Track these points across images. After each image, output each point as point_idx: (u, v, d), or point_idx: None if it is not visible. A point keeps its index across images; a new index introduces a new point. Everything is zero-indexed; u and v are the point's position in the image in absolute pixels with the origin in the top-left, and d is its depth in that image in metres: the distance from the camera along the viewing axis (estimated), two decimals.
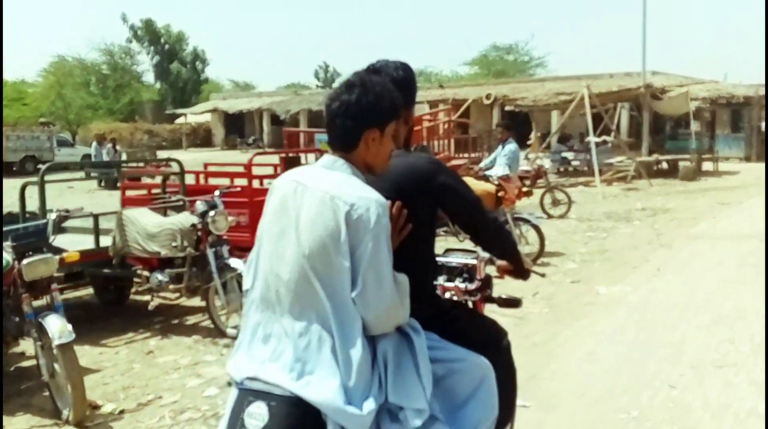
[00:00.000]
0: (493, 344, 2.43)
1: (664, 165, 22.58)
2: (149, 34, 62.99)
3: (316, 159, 2.37)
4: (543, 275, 2.93)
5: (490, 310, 2.75)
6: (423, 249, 2.25)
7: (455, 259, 2.68)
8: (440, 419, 2.03)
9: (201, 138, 50.76)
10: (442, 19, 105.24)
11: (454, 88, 43.23)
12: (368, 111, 1.98)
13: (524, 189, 8.89)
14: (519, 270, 2.59)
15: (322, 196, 1.91)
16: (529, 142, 26.18)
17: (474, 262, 2.65)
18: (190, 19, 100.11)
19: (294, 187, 1.98)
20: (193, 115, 51.14)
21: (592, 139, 18.34)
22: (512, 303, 2.61)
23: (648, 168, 21.32)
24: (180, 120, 51.54)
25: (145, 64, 64.97)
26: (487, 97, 33.67)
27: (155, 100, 61.62)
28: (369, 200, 1.89)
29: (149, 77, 64.65)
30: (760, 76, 27.84)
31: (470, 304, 2.63)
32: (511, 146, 9.50)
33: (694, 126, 22.43)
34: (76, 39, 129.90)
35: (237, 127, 49.41)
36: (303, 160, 10.36)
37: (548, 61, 72.82)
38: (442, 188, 2.21)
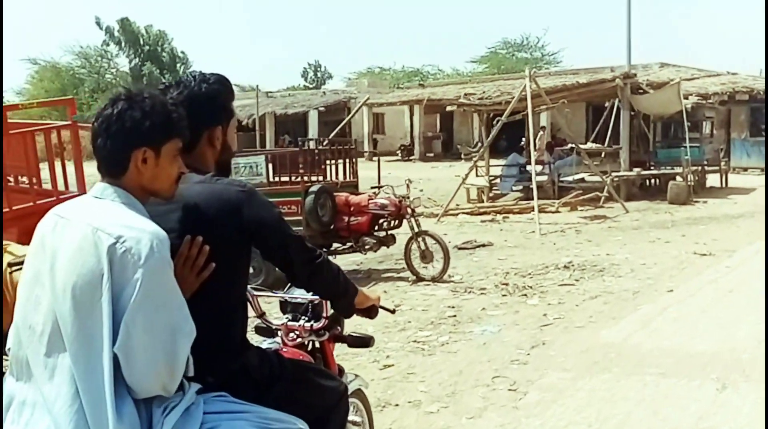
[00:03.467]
0: (319, 407, 2.15)
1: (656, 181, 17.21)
2: (126, 35, 59.27)
3: None
4: (393, 311, 2.71)
5: None
6: (229, 292, 1.96)
7: (300, 295, 2.50)
8: None
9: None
10: (448, 16, 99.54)
11: (435, 86, 38.28)
12: (133, 129, 1.73)
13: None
14: (351, 311, 2.28)
15: (84, 230, 1.65)
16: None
17: (318, 297, 2.43)
18: (177, 20, 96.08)
19: (54, 223, 1.72)
20: None
21: (532, 148, 13.10)
22: (363, 342, 2.52)
23: (628, 187, 15.97)
24: None
25: (125, 66, 61.66)
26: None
27: None
28: (140, 232, 1.63)
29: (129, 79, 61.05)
30: None
31: (317, 345, 2.51)
32: None
33: (697, 129, 16.99)
34: (49, 43, 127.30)
35: None
36: None
37: (562, 57, 67.20)
38: (255, 222, 1.93)
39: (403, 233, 8.59)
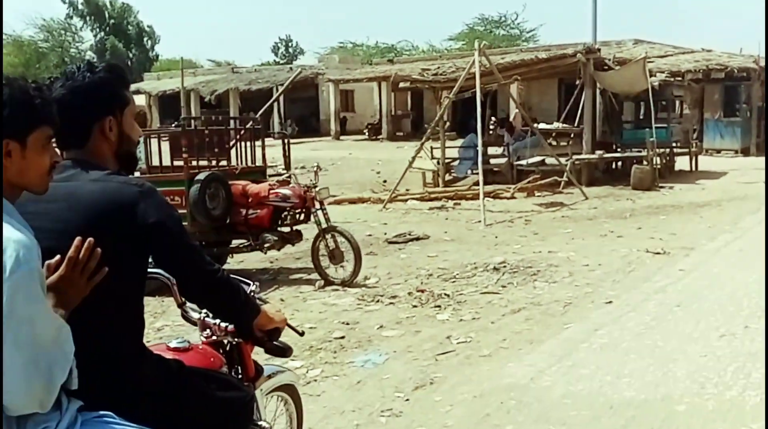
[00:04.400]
0: (219, 424, 2.02)
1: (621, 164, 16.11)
2: (90, 7, 57.05)
3: None
4: (301, 333, 2.57)
5: None
6: (122, 299, 1.86)
7: None
8: None
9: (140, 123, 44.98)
10: None
11: (405, 63, 36.90)
12: None
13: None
14: (247, 335, 2.14)
15: None
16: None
17: (251, 289, 2.30)
18: None
19: None
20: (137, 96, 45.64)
21: (479, 127, 11.92)
22: (281, 351, 2.22)
23: (591, 170, 14.85)
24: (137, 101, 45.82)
25: (90, 41, 59.57)
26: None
27: None
28: (5, 242, 1.51)
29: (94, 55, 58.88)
30: None
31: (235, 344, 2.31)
32: None
33: (666, 108, 15.86)
34: (9, 15, 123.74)
35: (174, 111, 43.64)
36: None
37: (540, 35, 66.02)
38: (148, 225, 1.82)
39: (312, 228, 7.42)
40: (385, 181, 16.60)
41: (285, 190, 7.15)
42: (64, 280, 1.61)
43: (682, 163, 16.84)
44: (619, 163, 15.92)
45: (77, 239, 1.62)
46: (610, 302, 5.86)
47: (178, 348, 2.19)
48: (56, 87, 1.88)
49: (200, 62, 64.45)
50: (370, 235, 10.03)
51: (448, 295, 6.25)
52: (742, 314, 5.27)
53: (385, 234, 10.07)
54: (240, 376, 2.32)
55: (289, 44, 58.02)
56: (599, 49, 15.25)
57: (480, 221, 10.64)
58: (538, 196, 13.78)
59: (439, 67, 16.88)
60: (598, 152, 14.62)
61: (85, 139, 1.90)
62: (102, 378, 1.72)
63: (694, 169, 16.55)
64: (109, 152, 1.94)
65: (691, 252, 7.77)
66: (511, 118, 26.18)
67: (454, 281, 6.85)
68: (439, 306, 5.97)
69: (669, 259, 7.43)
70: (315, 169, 7.71)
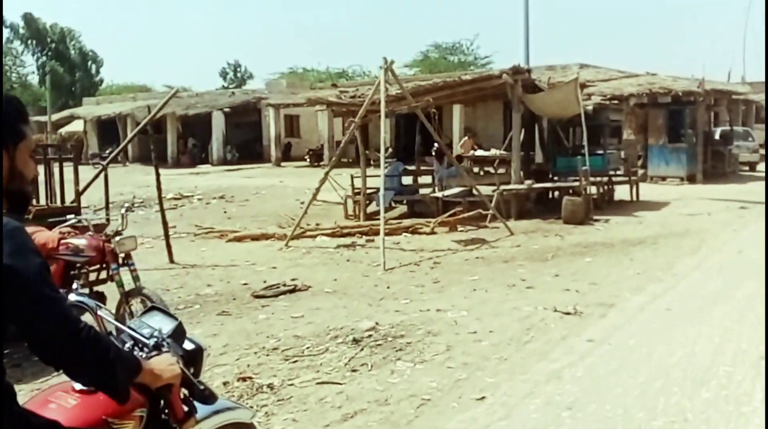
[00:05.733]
0: None
1: (555, 194, 14.74)
2: (31, 31, 54.70)
3: None
4: (206, 391, 2.23)
5: None
6: None
7: (147, 331, 2.11)
8: None
9: (75, 149, 42.62)
10: (380, 17, 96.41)
11: (349, 87, 35.53)
12: None
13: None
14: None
15: None
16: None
17: (171, 327, 2.13)
18: (87, 17, 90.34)
19: None
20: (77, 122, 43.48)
21: (382, 156, 10.41)
22: (204, 398, 2.10)
23: (521, 202, 13.41)
24: (72, 127, 43.74)
25: (32, 65, 57.15)
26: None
27: (42, 106, 53.70)
28: None
29: (36, 79, 56.54)
30: None
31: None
32: None
33: (601, 134, 14.57)
34: None
35: (113, 137, 41.48)
36: None
37: (494, 60, 65.77)
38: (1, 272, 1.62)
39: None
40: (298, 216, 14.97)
41: (79, 241, 5.43)
42: None
43: (623, 192, 15.57)
44: (556, 193, 14.56)
45: None
46: (483, 398, 4.26)
47: (83, 390, 1.96)
48: None
49: (155, 88, 62.67)
50: (245, 285, 8.38)
51: (272, 388, 4.60)
52: (655, 425, 3.73)
53: (265, 282, 8.43)
54: (166, 418, 2.07)
55: (238, 69, 56.38)
56: (529, 71, 13.91)
57: (379, 264, 9.08)
58: (461, 230, 12.28)
59: (357, 89, 15.40)
60: (527, 182, 13.20)
61: None
62: None
63: (635, 199, 15.28)
64: None
65: (608, 311, 6.25)
66: (459, 143, 24.93)
67: (296, 361, 5.19)
68: (251, 407, 4.32)
69: (579, 323, 5.89)
70: (124, 211, 5.98)
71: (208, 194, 19.95)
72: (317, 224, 13.24)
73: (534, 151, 16.94)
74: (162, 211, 10.28)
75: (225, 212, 16.54)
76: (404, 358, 5.10)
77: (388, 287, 7.87)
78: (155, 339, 2.06)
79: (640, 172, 19.00)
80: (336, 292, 7.74)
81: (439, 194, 13.17)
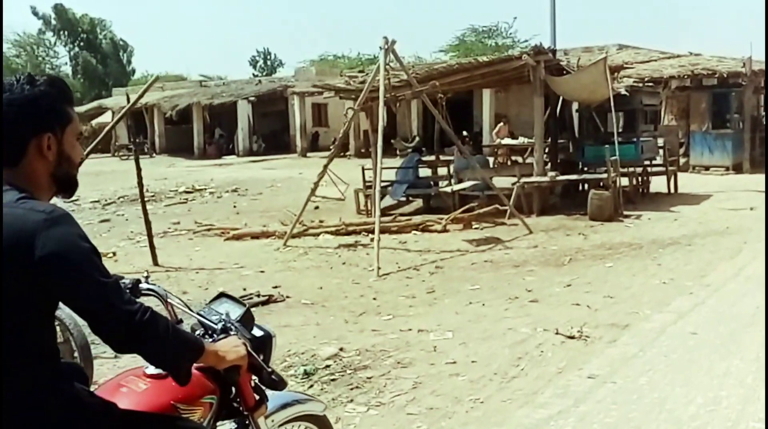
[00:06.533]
0: None
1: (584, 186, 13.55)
2: (62, 22, 55.09)
3: None
4: (271, 372, 2.20)
5: None
6: (21, 345, 1.64)
7: (216, 316, 2.10)
8: None
9: (104, 140, 42.85)
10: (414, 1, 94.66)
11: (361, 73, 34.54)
12: None
13: None
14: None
15: None
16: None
17: (239, 313, 2.11)
18: (118, 7, 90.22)
19: None
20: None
21: (379, 145, 9.47)
22: (273, 384, 2.07)
23: (544, 195, 12.29)
24: (103, 118, 43.93)
25: (64, 56, 57.66)
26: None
27: (75, 96, 54.22)
28: None
29: (69, 70, 56.92)
30: None
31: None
32: None
33: (636, 120, 13.29)
34: None
35: (142, 127, 41.43)
36: None
37: (533, 44, 63.85)
38: (47, 259, 1.58)
39: None
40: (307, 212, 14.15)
41: None
42: None
43: (660, 184, 14.28)
44: (581, 186, 13.37)
45: None
46: None
47: (154, 375, 1.96)
48: None
49: (191, 77, 62.72)
50: None
51: None
52: None
53: (244, 290, 7.60)
54: (239, 406, 2.08)
55: (268, 57, 55.79)
56: (554, 51, 12.74)
57: (376, 269, 8.16)
58: (476, 228, 11.27)
59: (367, 74, 14.48)
60: (551, 174, 12.07)
61: (19, 158, 1.72)
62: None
63: (672, 191, 13.99)
64: (45, 173, 1.76)
65: (621, 334, 5.20)
66: (495, 130, 23.71)
67: None
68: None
69: (582, 351, 4.87)
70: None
71: (222, 187, 19.26)
72: (320, 221, 12.42)
73: (566, 140, 15.79)
74: (144, 210, 9.53)
75: (234, 207, 15.81)
76: (358, 400, 4.17)
77: (374, 298, 6.95)
78: (222, 323, 2.05)
79: (682, 160, 17.64)
80: (314, 304, 6.85)
81: (447, 189, 12.15)
